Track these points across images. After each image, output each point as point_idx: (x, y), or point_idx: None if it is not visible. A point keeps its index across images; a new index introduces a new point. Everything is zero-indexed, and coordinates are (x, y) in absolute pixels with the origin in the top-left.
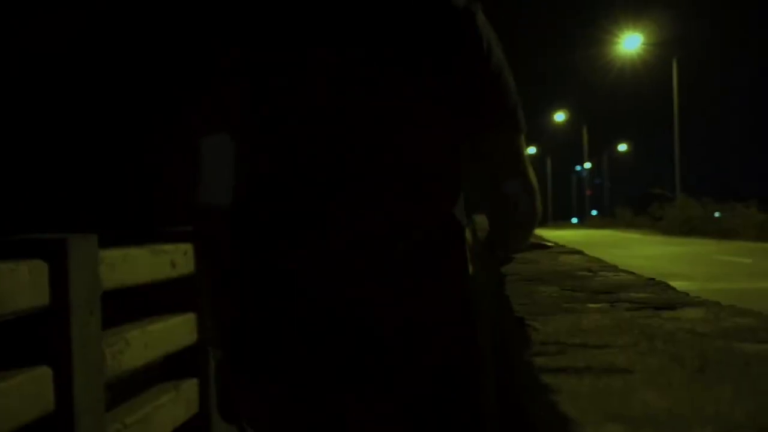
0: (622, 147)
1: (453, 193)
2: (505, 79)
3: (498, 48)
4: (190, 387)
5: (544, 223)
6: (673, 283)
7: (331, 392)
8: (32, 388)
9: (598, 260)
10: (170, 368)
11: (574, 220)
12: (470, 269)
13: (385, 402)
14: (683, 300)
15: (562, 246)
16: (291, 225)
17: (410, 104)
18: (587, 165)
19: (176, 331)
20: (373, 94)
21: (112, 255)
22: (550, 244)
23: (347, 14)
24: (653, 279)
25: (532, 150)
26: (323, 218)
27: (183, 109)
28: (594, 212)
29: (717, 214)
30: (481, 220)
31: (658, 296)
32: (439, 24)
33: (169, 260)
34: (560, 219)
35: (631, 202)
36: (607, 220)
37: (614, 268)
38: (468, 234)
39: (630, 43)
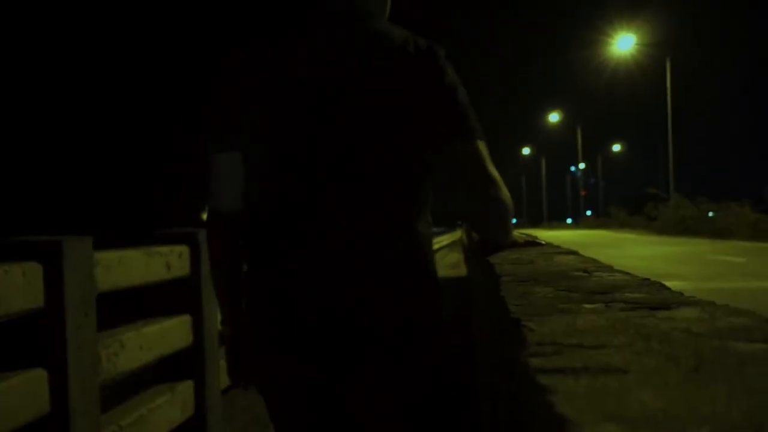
0: (617, 147)
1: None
2: (462, 98)
3: (455, 77)
4: (185, 389)
5: (538, 224)
6: (667, 283)
7: (331, 392)
8: (27, 390)
9: (593, 260)
10: (166, 370)
11: (569, 221)
12: (465, 270)
13: (384, 402)
14: (678, 300)
15: (557, 246)
16: (291, 227)
17: (388, 118)
18: (582, 165)
19: (172, 333)
20: (355, 109)
21: (107, 257)
22: (543, 242)
23: (337, 47)
24: (648, 279)
25: (526, 151)
26: (323, 219)
27: (195, 125)
28: (588, 212)
29: (711, 214)
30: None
31: (653, 296)
32: (410, 59)
33: (165, 262)
34: (555, 219)
35: (625, 202)
36: (602, 220)
37: (609, 269)
38: (463, 235)
39: (623, 43)
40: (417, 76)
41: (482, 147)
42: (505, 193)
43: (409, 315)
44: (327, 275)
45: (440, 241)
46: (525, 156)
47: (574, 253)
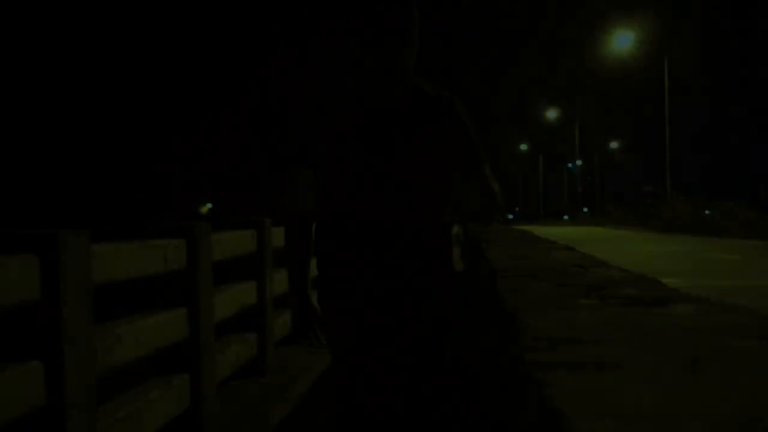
0: (614, 144)
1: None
2: (472, 132)
3: (468, 115)
4: (181, 382)
5: (535, 221)
6: (663, 280)
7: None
8: (23, 382)
9: (590, 257)
10: (162, 363)
11: (566, 217)
12: (461, 266)
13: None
14: (673, 297)
15: (554, 242)
16: (352, 224)
17: (420, 150)
18: (579, 162)
19: (168, 325)
20: (398, 140)
21: (103, 249)
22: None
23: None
24: (644, 276)
25: (524, 147)
26: (374, 219)
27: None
28: (585, 209)
29: (707, 212)
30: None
31: (649, 293)
32: (434, 105)
33: (162, 255)
34: (551, 216)
35: (622, 199)
36: (599, 217)
37: (606, 265)
38: (459, 231)
39: (622, 40)
40: (442, 118)
41: (486, 168)
42: (501, 198)
43: (434, 287)
44: (380, 262)
45: None
46: (522, 152)
47: (571, 249)
